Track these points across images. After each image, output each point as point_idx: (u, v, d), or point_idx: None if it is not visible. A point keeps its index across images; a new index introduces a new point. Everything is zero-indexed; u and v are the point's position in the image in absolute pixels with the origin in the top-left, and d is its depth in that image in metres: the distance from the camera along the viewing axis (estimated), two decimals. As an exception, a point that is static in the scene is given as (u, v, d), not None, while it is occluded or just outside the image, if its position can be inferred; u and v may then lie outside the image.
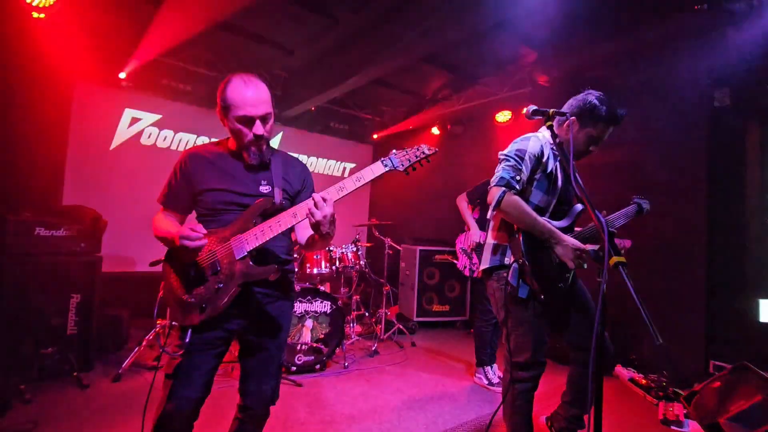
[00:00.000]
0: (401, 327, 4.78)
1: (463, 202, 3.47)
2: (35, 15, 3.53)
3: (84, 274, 3.24)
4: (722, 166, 3.66)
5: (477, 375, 3.49)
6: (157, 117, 5.20)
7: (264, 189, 1.63)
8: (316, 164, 6.69)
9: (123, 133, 4.99)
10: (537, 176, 1.94)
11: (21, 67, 3.81)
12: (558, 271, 1.91)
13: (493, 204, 1.86)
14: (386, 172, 1.56)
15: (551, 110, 1.69)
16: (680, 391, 3.07)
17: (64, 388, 2.93)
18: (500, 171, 1.92)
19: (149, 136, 5.16)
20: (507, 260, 1.96)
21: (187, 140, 5.43)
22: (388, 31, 3.97)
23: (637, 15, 3.42)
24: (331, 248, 3.99)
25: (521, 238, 1.88)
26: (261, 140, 1.59)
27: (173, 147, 5.32)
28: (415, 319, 5.19)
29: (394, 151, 1.60)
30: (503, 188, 1.87)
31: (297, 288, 3.54)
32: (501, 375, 3.43)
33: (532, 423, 1.99)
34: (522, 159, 1.92)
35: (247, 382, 1.68)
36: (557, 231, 1.87)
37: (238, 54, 4.80)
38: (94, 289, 3.28)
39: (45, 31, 3.81)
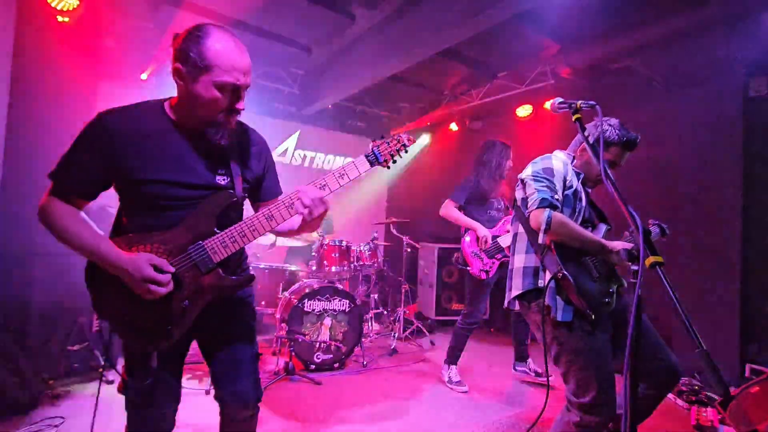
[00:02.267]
0: (420, 326, 4.76)
1: (452, 209, 3.27)
2: (60, 19, 3.63)
3: (109, 273, 3.33)
4: (759, 161, 3.52)
5: (443, 371, 3.44)
6: (177, 117, 5.29)
7: (221, 180, 1.30)
8: (334, 162, 6.71)
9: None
10: (564, 194, 1.87)
11: (46, 70, 3.92)
12: (601, 286, 1.76)
13: (542, 227, 1.73)
14: (371, 167, 1.39)
15: (578, 102, 1.61)
16: (714, 396, 2.97)
17: (90, 384, 3.02)
18: (535, 193, 1.80)
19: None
20: (542, 283, 1.82)
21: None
22: (404, 26, 3.94)
23: (665, 1, 3.30)
24: (349, 246, 4.01)
25: (555, 254, 1.75)
26: (237, 115, 1.27)
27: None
28: (434, 317, 5.16)
29: (374, 141, 1.43)
30: (547, 209, 1.75)
31: (315, 286, 3.57)
32: (457, 379, 3.32)
33: None
34: (552, 176, 1.83)
35: (221, 387, 1.38)
36: (605, 240, 1.76)
37: (255, 52, 4.85)
38: (119, 287, 3.37)
39: (68, 34, 3.91)
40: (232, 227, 1.28)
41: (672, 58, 3.86)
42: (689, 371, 3.39)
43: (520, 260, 1.93)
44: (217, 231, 1.27)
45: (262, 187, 1.46)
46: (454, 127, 6.22)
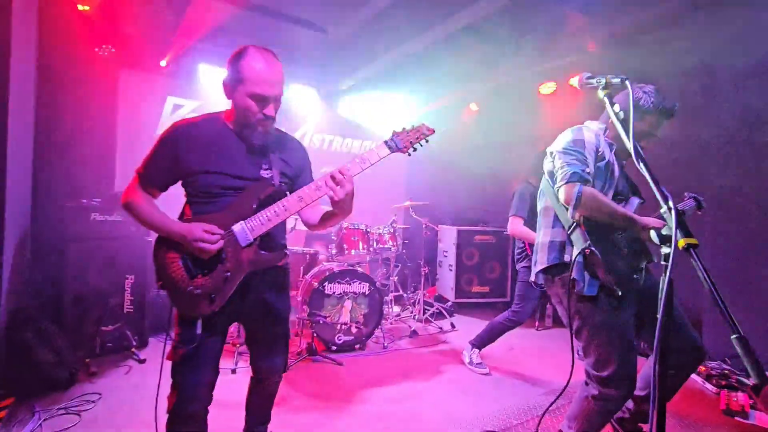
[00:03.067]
0: (440, 308, 4.80)
1: (519, 225, 3.09)
2: (80, 8, 3.70)
3: (136, 256, 3.45)
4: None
5: (465, 352, 3.46)
6: (197, 103, 5.36)
7: (265, 173, 1.56)
8: (352, 145, 6.70)
9: (167, 120, 5.18)
10: (596, 166, 1.81)
11: (68, 59, 4.02)
12: (630, 262, 1.73)
13: (573, 202, 1.70)
14: (391, 153, 1.55)
15: (606, 77, 1.54)
16: (746, 381, 2.92)
17: (124, 362, 3.18)
18: (566, 166, 1.75)
19: (191, 123, 5.35)
20: (567, 257, 1.79)
21: (225, 125, 5.58)
22: (422, 4, 3.85)
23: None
24: (368, 230, 4.04)
25: (584, 229, 1.73)
26: (268, 121, 1.51)
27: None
28: (454, 300, 5.20)
29: (394, 131, 1.58)
30: (578, 183, 1.70)
31: (336, 269, 3.63)
32: (479, 361, 3.34)
33: None
34: (584, 149, 1.77)
35: (258, 360, 1.76)
36: (637, 216, 1.70)
37: (272, 35, 4.84)
38: (147, 271, 3.50)
39: (88, 22, 3.98)
40: (268, 207, 1.51)
41: (708, 28, 3.62)
42: (720, 355, 3.33)
43: (546, 234, 1.91)
44: (257, 212, 1.52)
45: (299, 182, 1.68)
46: (473, 106, 6.11)
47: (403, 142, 1.57)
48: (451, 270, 5.26)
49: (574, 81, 1.62)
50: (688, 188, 2.11)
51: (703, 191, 2.13)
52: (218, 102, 5.34)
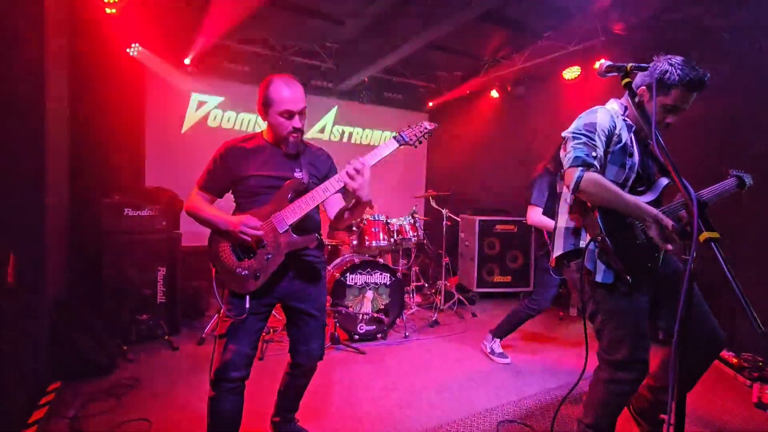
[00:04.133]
0: (461, 297, 4.83)
1: (537, 214, 3.09)
2: (108, 11, 3.85)
3: (167, 250, 3.63)
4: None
5: (485, 342, 3.47)
6: (220, 99, 5.52)
7: (298, 174, 1.86)
8: (372, 136, 6.75)
9: (192, 116, 5.38)
10: (611, 150, 1.77)
11: (97, 60, 4.20)
12: (646, 250, 1.72)
13: (571, 187, 1.70)
14: (399, 147, 1.78)
15: (629, 65, 1.48)
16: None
17: (158, 349, 3.36)
18: (571, 151, 1.74)
19: (215, 118, 5.51)
20: (583, 243, 1.80)
21: (248, 120, 5.71)
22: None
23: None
24: (388, 220, 4.09)
25: (598, 215, 1.71)
26: (298, 132, 1.82)
27: (236, 127, 5.65)
28: (476, 290, 5.22)
29: (401, 129, 1.83)
30: (579, 168, 1.69)
31: (356, 260, 3.71)
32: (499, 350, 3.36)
33: (616, 421, 1.83)
34: (593, 133, 1.73)
35: (297, 344, 1.97)
36: (646, 205, 1.66)
37: (290, 30, 4.91)
38: (176, 263, 3.67)
39: (116, 23, 4.14)
40: (298, 199, 1.78)
41: (744, 6, 3.45)
42: (753, 347, 3.25)
43: (562, 220, 1.91)
44: (290, 203, 1.78)
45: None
46: (494, 94, 6.04)
47: (409, 137, 1.80)
48: (472, 260, 5.27)
49: (597, 67, 1.58)
50: (722, 157, 2.00)
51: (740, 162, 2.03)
52: (240, 97, 5.48)
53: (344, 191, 1.78)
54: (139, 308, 3.46)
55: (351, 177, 1.65)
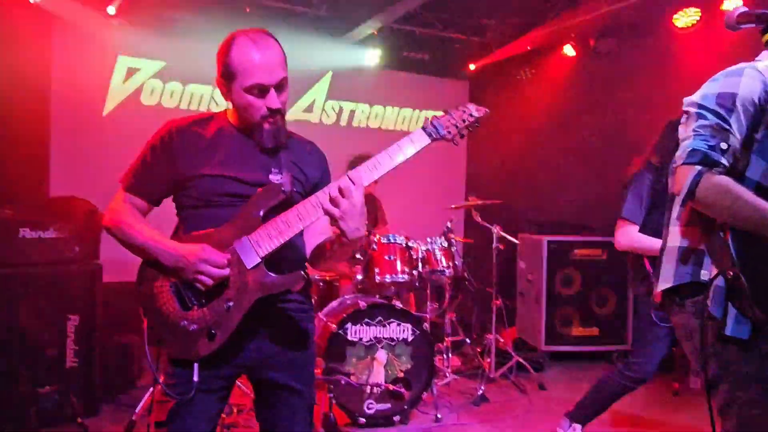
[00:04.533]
0: (522, 360, 4.81)
1: (636, 235, 3.08)
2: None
3: (81, 288, 3.69)
4: None
5: (559, 430, 3.44)
6: (159, 64, 5.64)
7: (275, 177, 1.81)
8: (383, 117, 6.80)
9: (118, 90, 5.50)
10: (759, 135, 1.73)
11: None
12: None
13: (683, 192, 1.68)
14: (431, 142, 1.75)
15: None
16: None
17: (67, 438, 3.42)
18: (690, 137, 1.73)
19: (152, 93, 5.64)
20: (705, 275, 1.78)
21: (200, 95, 5.83)
22: None
23: None
24: (410, 243, 4.10)
25: (730, 238, 1.68)
26: (276, 114, 1.78)
27: (183, 105, 5.77)
28: (544, 348, 5.17)
29: (434, 116, 1.78)
30: (697, 167, 1.68)
31: (363, 304, 3.74)
32: None
33: None
34: (730, 111, 1.71)
35: None
36: None
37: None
38: (95, 308, 3.73)
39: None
40: (278, 216, 1.72)
41: None
42: None
43: (675, 236, 1.89)
44: (264, 223, 1.73)
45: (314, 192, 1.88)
46: (569, 50, 6.06)
47: (446, 128, 1.76)
48: (538, 303, 5.23)
49: (726, 18, 1.60)
50: None
51: None
52: (189, 60, 5.59)
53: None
54: (39, 377, 3.51)
55: (333, 201, 1.64)
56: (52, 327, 3.58)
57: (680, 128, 1.87)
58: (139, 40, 5.46)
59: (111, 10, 5.01)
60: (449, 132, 1.76)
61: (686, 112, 1.82)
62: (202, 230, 1.76)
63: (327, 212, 1.66)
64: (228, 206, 1.77)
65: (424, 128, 1.75)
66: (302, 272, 1.77)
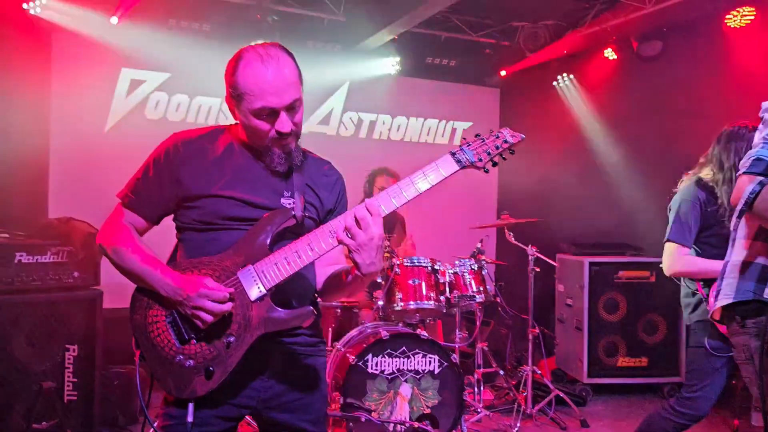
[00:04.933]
0: (561, 394, 4.73)
1: (688, 259, 3.05)
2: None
3: (80, 316, 3.70)
4: None
5: None
6: (165, 76, 5.73)
7: (287, 201, 1.80)
8: (407, 129, 6.80)
9: (120, 105, 5.59)
10: None
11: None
12: None
13: (741, 203, 1.75)
14: (459, 170, 1.73)
15: None
16: None
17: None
18: (758, 146, 1.79)
19: (156, 106, 5.72)
20: None
21: (209, 107, 5.91)
22: None
23: None
24: (436, 267, 4.07)
25: None
26: (287, 138, 1.75)
27: (190, 119, 5.85)
28: (587, 380, 5.11)
29: (466, 140, 1.78)
30: (759, 177, 1.74)
31: (384, 334, 3.70)
32: None
33: None
34: None
35: None
36: None
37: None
38: (95, 337, 3.74)
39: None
40: (287, 246, 1.70)
41: None
42: None
43: (740, 250, 1.92)
44: (272, 252, 1.70)
45: (328, 219, 1.86)
46: (610, 54, 6.05)
47: (477, 154, 1.75)
48: (579, 330, 5.18)
49: None
50: None
51: None
52: (196, 71, 5.67)
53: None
54: (36, 412, 3.52)
55: (348, 231, 1.62)
56: (49, 358, 3.60)
57: (756, 134, 1.92)
58: (143, 51, 5.54)
59: (114, 20, 5.11)
60: (480, 159, 1.75)
61: (761, 118, 1.87)
62: (204, 256, 1.74)
63: (341, 243, 1.64)
64: (234, 230, 1.76)
65: (452, 154, 1.73)
66: (312, 307, 1.70)
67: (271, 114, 1.70)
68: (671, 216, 3.10)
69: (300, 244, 1.69)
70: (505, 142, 1.77)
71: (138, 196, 1.82)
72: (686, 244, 3.02)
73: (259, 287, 1.68)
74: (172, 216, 1.86)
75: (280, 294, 1.72)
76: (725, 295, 1.93)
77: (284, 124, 1.71)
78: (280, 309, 1.68)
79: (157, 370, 1.73)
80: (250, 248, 1.71)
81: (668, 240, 3.07)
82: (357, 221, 1.62)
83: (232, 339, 1.67)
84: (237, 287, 1.68)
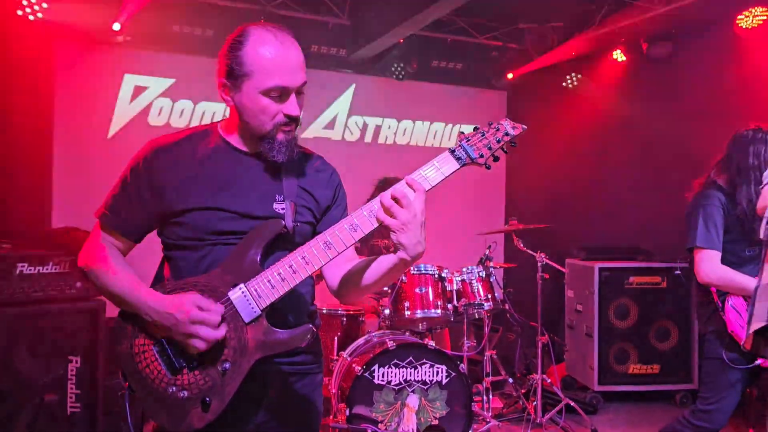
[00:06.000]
0: (572, 402, 4.68)
1: (715, 263, 2.99)
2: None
3: (83, 327, 3.68)
4: None
5: None
6: (168, 82, 5.74)
7: (280, 207, 1.70)
8: (413, 132, 6.79)
9: (124, 111, 5.61)
10: None
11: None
12: None
13: (766, 218, 1.75)
14: (460, 168, 1.64)
15: None
16: None
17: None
18: None
19: (160, 112, 5.73)
20: None
21: (213, 112, 5.91)
22: None
23: None
24: (443, 274, 4.03)
25: None
26: (293, 124, 1.66)
27: (194, 125, 5.80)
28: (597, 387, 5.08)
29: (462, 133, 1.68)
30: None
31: (391, 344, 3.66)
32: None
33: None
34: None
35: None
36: None
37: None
38: (98, 348, 3.71)
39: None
40: (280, 261, 1.61)
41: None
42: None
43: None
44: (264, 269, 1.61)
45: (326, 221, 1.80)
46: (619, 56, 6.03)
47: (477, 150, 1.65)
48: (589, 336, 5.15)
49: None
50: None
51: None
52: (199, 77, 5.65)
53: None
54: (37, 425, 3.51)
55: (387, 210, 1.54)
56: (52, 369, 3.57)
57: None
58: (146, 57, 5.57)
59: (116, 26, 5.11)
60: (481, 155, 1.65)
61: None
62: (192, 276, 1.65)
63: (382, 224, 1.56)
64: (225, 245, 1.66)
65: (452, 151, 1.64)
66: (311, 325, 1.63)
67: (282, 95, 1.61)
68: (693, 221, 3.04)
69: (294, 258, 1.61)
70: (506, 134, 1.66)
71: (116, 213, 1.71)
72: (717, 248, 2.97)
73: (252, 308, 1.59)
74: (156, 232, 1.77)
75: (275, 311, 1.63)
76: (758, 318, 1.89)
77: (294, 106, 1.63)
78: (278, 330, 1.60)
79: (149, 404, 1.64)
80: (239, 265, 1.62)
81: (697, 246, 3.00)
82: (397, 200, 1.54)
83: (227, 366, 1.58)
84: (229, 309, 1.59)
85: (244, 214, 1.67)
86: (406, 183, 1.57)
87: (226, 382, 1.58)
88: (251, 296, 1.59)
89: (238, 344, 1.59)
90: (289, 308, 1.71)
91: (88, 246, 1.73)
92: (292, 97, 1.62)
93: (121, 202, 1.71)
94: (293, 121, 1.65)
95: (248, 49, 1.60)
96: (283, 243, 1.66)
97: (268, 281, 1.59)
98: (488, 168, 1.69)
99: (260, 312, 1.59)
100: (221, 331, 1.56)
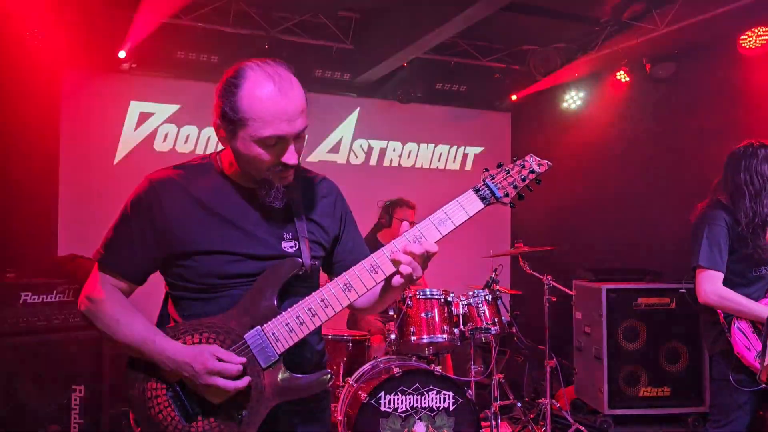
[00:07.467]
0: (581, 426, 4.63)
1: (717, 285, 2.96)
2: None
3: (86, 356, 3.69)
4: None
5: None
6: (173, 108, 5.78)
7: (289, 246, 1.65)
8: (417, 155, 6.78)
9: (130, 137, 5.65)
10: None
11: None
12: None
13: None
14: (485, 207, 1.61)
15: None
16: None
17: None
18: None
19: (165, 138, 5.77)
20: None
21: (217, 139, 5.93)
22: None
23: None
24: (449, 299, 4.01)
25: None
26: (291, 170, 1.60)
27: (199, 150, 5.87)
28: (607, 411, 5.02)
29: (489, 172, 1.65)
30: None
31: (397, 370, 3.63)
32: None
33: None
34: None
35: None
36: None
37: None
38: (102, 377, 3.71)
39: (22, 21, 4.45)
40: (298, 304, 1.58)
41: None
42: None
43: None
44: (281, 312, 1.58)
45: (339, 250, 1.80)
46: (622, 77, 6.02)
47: (503, 188, 1.61)
48: (599, 359, 5.10)
49: None
50: None
51: None
52: (204, 103, 5.64)
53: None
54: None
55: (411, 265, 1.54)
56: (54, 399, 3.58)
57: None
58: (151, 84, 5.62)
59: (122, 53, 5.16)
60: (506, 194, 1.62)
61: None
62: (204, 317, 1.60)
63: (403, 271, 1.55)
64: (235, 287, 1.61)
65: (476, 190, 1.60)
66: (329, 371, 1.62)
67: (278, 143, 1.52)
68: (698, 241, 3.02)
69: (313, 302, 1.57)
70: (532, 171, 1.63)
71: (114, 256, 1.64)
72: (720, 269, 2.95)
73: (269, 353, 1.55)
74: (160, 271, 1.70)
75: (290, 357, 1.60)
76: None
77: (292, 155, 1.54)
78: (295, 375, 1.57)
79: None
80: (256, 307, 1.57)
81: (700, 266, 2.98)
82: (409, 252, 1.54)
83: (244, 413, 1.55)
84: (246, 354, 1.55)
85: (251, 256, 1.61)
86: (417, 231, 1.57)
87: (242, 430, 1.55)
88: (268, 340, 1.56)
89: (255, 390, 1.55)
90: (304, 354, 1.69)
91: (88, 290, 1.65)
92: (290, 145, 1.54)
93: (119, 245, 1.64)
94: (292, 167, 1.59)
95: (244, 93, 1.50)
96: (297, 281, 1.63)
97: (286, 324, 1.56)
98: (513, 207, 1.66)
99: (278, 357, 1.56)
100: (242, 383, 1.52)
